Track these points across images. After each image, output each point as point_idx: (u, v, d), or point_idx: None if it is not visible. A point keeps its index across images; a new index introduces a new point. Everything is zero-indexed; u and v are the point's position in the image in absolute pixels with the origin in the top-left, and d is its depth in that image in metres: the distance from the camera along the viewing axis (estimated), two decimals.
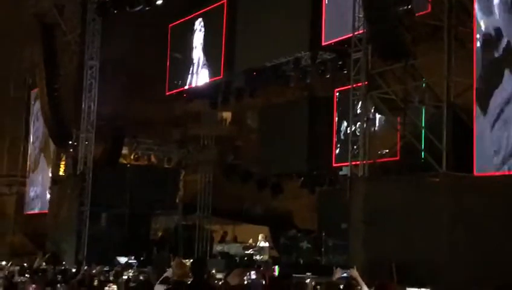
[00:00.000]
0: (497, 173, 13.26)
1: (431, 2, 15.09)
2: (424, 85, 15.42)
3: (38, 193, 27.33)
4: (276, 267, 16.72)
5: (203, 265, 7.82)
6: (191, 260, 8.84)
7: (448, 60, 14.27)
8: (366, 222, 14.74)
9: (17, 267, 16.95)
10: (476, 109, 13.78)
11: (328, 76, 19.42)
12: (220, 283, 9.59)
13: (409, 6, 14.32)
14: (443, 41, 14.35)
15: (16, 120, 28.79)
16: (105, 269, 16.95)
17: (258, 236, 21.70)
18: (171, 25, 24.49)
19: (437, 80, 14.75)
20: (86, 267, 18.08)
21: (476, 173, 13.54)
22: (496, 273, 12.28)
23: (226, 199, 25.25)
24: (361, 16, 15.49)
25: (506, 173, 13.07)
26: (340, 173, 19.83)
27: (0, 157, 29.45)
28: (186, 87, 23.74)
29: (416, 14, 14.67)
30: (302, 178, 22.60)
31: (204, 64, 23.07)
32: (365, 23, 15.31)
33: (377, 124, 17.06)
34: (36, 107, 27.14)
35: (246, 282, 10.96)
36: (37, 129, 27.76)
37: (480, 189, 13.34)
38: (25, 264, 18.38)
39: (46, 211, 25.66)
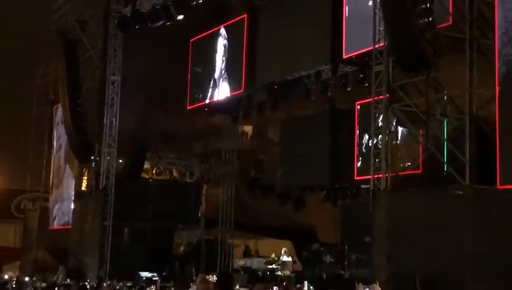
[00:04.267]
0: None
1: (452, 14, 15.01)
2: (446, 97, 15.33)
3: (62, 207, 27.44)
4: (306, 283, 16.61)
5: (230, 281, 7.74)
6: (215, 276, 8.79)
7: (470, 72, 14.20)
8: (389, 235, 14.64)
9: (44, 284, 17.00)
10: (499, 121, 13.67)
11: (349, 89, 19.35)
12: None
13: (430, 19, 14.28)
14: (465, 53, 14.28)
15: (38, 135, 28.99)
16: (128, 284, 16.98)
17: (280, 250, 21.63)
18: (192, 40, 24.59)
19: (459, 92, 14.67)
20: (108, 283, 18.11)
21: (499, 185, 13.41)
22: None
23: (248, 212, 25.21)
24: (382, 28, 15.44)
25: None
26: (363, 186, 19.74)
27: (23, 172, 29.64)
28: (208, 101, 23.80)
29: (438, 27, 14.60)
30: (325, 191, 22.54)
31: (225, 78, 23.12)
32: (386, 35, 15.26)
33: (399, 137, 16.99)
34: (59, 122, 27.31)
35: None
36: (60, 144, 27.91)
37: (504, 201, 13.22)
38: (50, 280, 18.44)
39: (70, 226, 25.75)
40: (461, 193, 13.71)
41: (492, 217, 13.05)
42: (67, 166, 27.11)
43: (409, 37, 14.40)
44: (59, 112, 26.80)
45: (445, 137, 15.37)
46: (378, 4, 15.43)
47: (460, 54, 14.50)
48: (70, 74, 24.04)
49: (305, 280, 17.69)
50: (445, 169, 14.82)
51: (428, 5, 14.32)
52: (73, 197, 26.12)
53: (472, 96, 14.21)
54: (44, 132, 28.82)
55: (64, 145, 26.90)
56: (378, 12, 15.51)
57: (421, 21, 14.27)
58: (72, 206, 25.97)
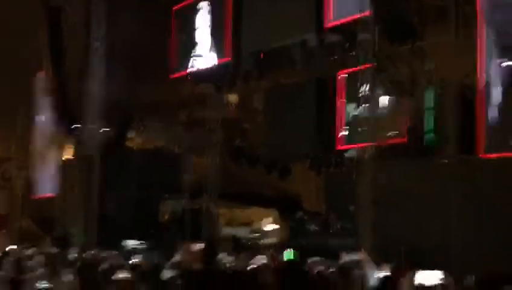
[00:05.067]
0: (505, 154, 13.20)
1: None
2: (431, 66, 15.33)
3: (47, 176, 27.35)
4: (290, 250, 16.69)
5: (213, 251, 7.79)
6: (200, 245, 8.82)
7: (455, 40, 14.19)
8: (374, 204, 14.72)
9: (29, 251, 16.98)
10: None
11: (335, 58, 19.32)
12: (229, 266, 9.60)
13: None
14: (450, 22, 14.27)
15: (26, 105, 28.80)
16: (114, 252, 16.96)
17: (265, 219, 21.72)
18: (175, 8, 24.39)
19: (444, 61, 14.67)
20: (94, 251, 18.10)
21: (483, 154, 13.48)
22: (508, 255, 12.26)
23: (233, 182, 25.23)
24: None
25: None
26: (347, 154, 19.78)
27: (10, 141, 29.49)
28: (192, 70, 23.67)
29: None
30: (309, 160, 22.57)
31: (210, 47, 22.98)
32: (372, 4, 15.20)
33: (384, 106, 17.00)
34: (42, 90, 27.11)
35: (254, 266, 10.95)
36: (45, 112, 27.74)
37: (487, 170, 13.30)
38: (34, 249, 18.41)
39: (54, 195, 25.71)
40: (445, 161, 13.79)
41: (477, 185, 13.14)
42: (52, 135, 26.98)
43: (394, 6, 14.37)
44: (42, 80, 26.57)
45: (431, 106, 15.38)
46: None
47: (445, 23, 14.49)
48: (53, 42, 23.84)
49: (290, 248, 17.76)
50: (430, 138, 14.87)
51: None
52: (57, 166, 26.05)
53: (457, 65, 14.21)
54: (25, 101, 28.60)
55: (49, 118, 26.73)
56: None
57: None
58: (57, 175, 25.90)
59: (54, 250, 19.01)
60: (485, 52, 13.77)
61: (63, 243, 22.07)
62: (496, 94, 13.44)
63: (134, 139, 25.38)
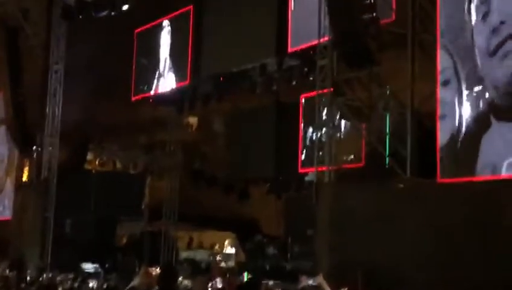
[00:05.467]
0: (460, 179, 13.40)
1: (395, 10, 15.22)
2: (388, 92, 15.55)
3: (3, 199, 26.99)
4: (245, 274, 16.77)
5: (173, 273, 7.74)
6: (159, 269, 8.77)
7: (412, 67, 14.44)
8: (332, 227, 14.81)
9: None
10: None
11: (294, 82, 19.49)
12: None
13: (374, 14, 14.46)
14: (407, 48, 14.51)
15: None
16: (69, 276, 16.81)
17: (224, 242, 21.69)
18: (137, 30, 24.40)
19: (401, 87, 14.89)
20: (50, 274, 17.91)
21: (439, 179, 13.68)
22: (458, 278, 12.42)
23: (192, 204, 25.16)
24: (327, 22, 15.57)
25: (469, 179, 13.22)
26: (306, 178, 19.91)
27: None
28: (153, 92, 23.66)
29: (381, 22, 14.79)
30: (269, 184, 22.65)
31: (170, 70, 23.01)
32: (331, 30, 15.40)
33: (343, 130, 17.18)
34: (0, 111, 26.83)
35: (212, 289, 10.96)
36: (0, 134, 27.43)
37: (443, 194, 13.48)
38: None
39: (9, 218, 25.36)
40: (402, 185, 13.95)
41: (431, 209, 13.31)
42: (6, 160, 26.68)
43: (353, 32, 14.57)
44: (1, 108, 26.27)
45: (388, 131, 15.59)
46: None
47: (402, 49, 14.73)
48: (11, 63, 23.64)
49: (248, 271, 17.79)
50: (387, 162, 15.05)
51: (372, 1, 14.49)
52: (13, 188, 25.73)
53: (413, 91, 14.44)
54: None
55: (5, 139, 26.43)
56: (323, 6, 15.62)
57: (364, 16, 14.44)
58: (13, 197, 25.57)
59: (10, 273, 18.74)
60: (441, 78, 13.99)
61: (19, 266, 21.76)
62: (452, 119, 13.67)
63: (93, 161, 25.21)
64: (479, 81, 13.19)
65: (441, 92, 13.92)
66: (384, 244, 13.69)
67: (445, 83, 13.82)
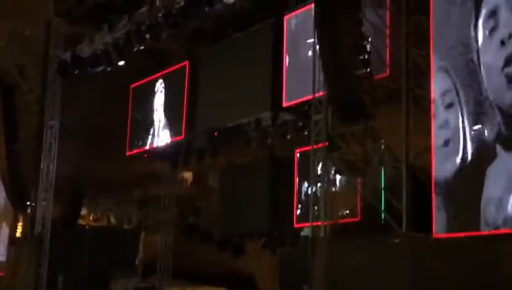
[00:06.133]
0: (456, 235, 13.34)
1: (389, 66, 15.35)
2: (383, 146, 15.57)
3: None
4: None
5: None
6: None
7: (407, 122, 14.49)
8: (327, 283, 14.67)
9: None
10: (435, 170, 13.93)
11: (289, 137, 19.55)
12: None
13: (368, 70, 14.58)
14: (401, 103, 14.60)
15: None
16: None
17: None
18: (132, 86, 24.54)
19: (396, 141, 14.93)
20: None
21: (435, 234, 13.61)
22: None
23: (187, 260, 24.99)
24: (321, 78, 15.67)
25: (466, 234, 13.15)
26: (302, 233, 19.80)
27: None
28: (147, 147, 23.69)
29: (375, 77, 14.90)
30: (264, 239, 22.50)
31: (165, 125, 23.09)
32: (325, 85, 15.49)
33: (338, 185, 17.14)
34: None
35: None
36: None
37: (438, 249, 13.40)
38: None
39: (2, 274, 25.13)
40: (397, 241, 13.87)
41: (427, 266, 13.21)
42: (2, 212, 26.55)
43: (347, 87, 14.66)
44: None
45: (383, 185, 15.56)
46: (317, 54, 15.68)
47: (397, 104, 14.80)
48: (6, 119, 23.69)
49: None
50: (382, 217, 14.99)
51: (366, 57, 14.63)
52: (7, 244, 25.55)
53: (408, 145, 14.47)
54: None
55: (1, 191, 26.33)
56: (317, 62, 15.75)
57: (358, 72, 14.55)
58: (5, 253, 25.37)
59: None
60: (435, 133, 14.04)
61: None
62: (447, 174, 13.67)
63: (87, 217, 25.09)
64: (483, 104, 12.99)
65: (445, 116, 13.81)
66: None
67: (449, 106, 13.75)
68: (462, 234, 13.21)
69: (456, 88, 13.62)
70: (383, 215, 14.94)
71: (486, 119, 12.92)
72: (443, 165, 13.69)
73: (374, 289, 13.74)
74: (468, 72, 13.40)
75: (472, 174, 13.13)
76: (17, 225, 25.65)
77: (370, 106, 14.71)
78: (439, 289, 12.95)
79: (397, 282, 13.42)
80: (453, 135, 13.56)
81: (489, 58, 13.00)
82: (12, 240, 25.38)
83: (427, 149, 14.29)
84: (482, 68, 13.15)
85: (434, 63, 14.25)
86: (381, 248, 14.15)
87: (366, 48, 14.72)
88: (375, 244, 14.33)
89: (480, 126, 13.03)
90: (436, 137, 13.98)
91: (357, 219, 16.73)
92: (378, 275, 13.78)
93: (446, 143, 13.70)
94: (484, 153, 12.86)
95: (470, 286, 12.66)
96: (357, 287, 14.08)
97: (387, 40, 15.36)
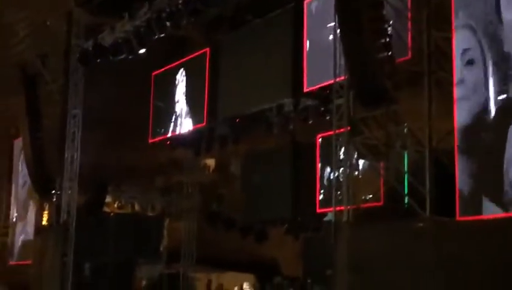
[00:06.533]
0: (480, 217, 13.28)
1: (411, 49, 15.26)
2: (405, 130, 15.51)
3: (24, 243, 27.08)
4: None
5: None
6: None
7: (429, 105, 14.42)
8: (351, 268, 14.68)
9: None
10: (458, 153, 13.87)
11: (310, 122, 19.53)
12: None
13: (390, 53, 14.50)
14: (424, 86, 14.52)
15: (2, 171, 28.65)
16: None
17: (242, 284, 21.57)
18: (154, 73, 24.62)
19: (419, 125, 14.86)
20: None
21: (458, 217, 13.56)
22: None
23: (210, 246, 25.12)
24: (342, 62, 15.63)
25: (489, 216, 13.09)
26: (325, 219, 19.82)
27: None
28: (169, 134, 23.79)
29: (397, 61, 14.83)
30: (287, 225, 22.55)
31: (187, 112, 23.16)
32: (346, 69, 15.45)
33: (360, 169, 17.12)
34: (21, 156, 27.02)
35: None
36: (24, 177, 27.59)
37: (462, 233, 13.36)
38: None
39: (30, 261, 25.39)
40: (421, 225, 13.84)
41: (450, 249, 13.17)
42: (30, 201, 26.83)
43: (369, 71, 14.59)
44: (20, 146, 26.53)
45: (406, 169, 15.52)
46: (338, 38, 15.63)
47: (419, 87, 14.73)
48: (30, 108, 23.86)
49: None
50: (406, 201, 14.96)
51: (387, 40, 14.55)
52: (33, 232, 25.81)
53: (431, 129, 14.40)
54: (4, 166, 28.49)
55: (27, 184, 26.61)
56: (338, 46, 15.70)
57: (380, 55, 14.47)
58: (33, 240, 25.63)
59: None
60: (464, 59, 13.91)
61: None
62: (471, 156, 13.62)
63: (111, 204, 25.26)
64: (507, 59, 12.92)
65: (464, 74, 13.76)
66: (404, 284, 13.54)
67: (469, 63, 13.68)
68: (486, 217, 13.16)
69: (480, 44, 13.55)
70: (406, 199, 14.91)
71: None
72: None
73: (397, 273, 13.74)
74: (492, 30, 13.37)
75: (495, 130, 13.10)
76: (43, 214, 25.90)
77: (392, 90, 14.64)
78: (463, 272, 12.91)
79: (421, 266, 13.40)
80: (474, 92, 13.51)
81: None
82: (38, 228, 25.62)
83: (450, 133, 14.22)
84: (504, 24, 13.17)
85: (456, 45, 14.14)
86: (405, 232, 14.13)
87: (388, 31, 14.62)
88: (399, 229, 14.31)
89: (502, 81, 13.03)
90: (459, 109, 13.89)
91: (380, 203, 16.69)
92: (401, 259, 13.77)
93: (466, 98, 13.62)
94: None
95: (495, 269, 12.61)
96: (380, 271, 14.08)
97: (409, 23, 15.26)
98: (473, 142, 13.63)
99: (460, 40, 14.04)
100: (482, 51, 13.53)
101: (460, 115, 13.84)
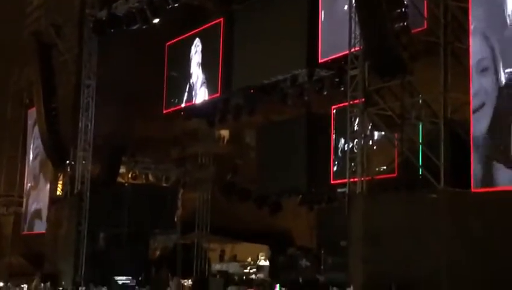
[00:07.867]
0: (494, 189, 13.21)
1: (427, 19, 15.10)
2: (420, 101, 15.40)
3: (37, 212, 27.19)
4: (278, 286, 16.68)
5: (204, 286, 7.71)
6: (191, 281, 8.76)
7: (445, 76, 14.30)
8: (365, 239, 14.68)
9: (17, 288, 16.84)
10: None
11: (325, 93, 19.42)
12: None
13: (405, 24, 14.35)
14: (439, 57, 14.37)
15: (13, 140, 28.72)
16: (104, 289, 16.87)
17: (257, 254, 21.64)
18: (168, 43, 24.51)
19: (434, 96, 14.75)
20: (84, 288, 17.98)
21: (473, 189, 13.49)
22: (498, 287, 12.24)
23: (225, 217, 25.17)
24: (357, 33, 15.50)
25: (503, 188, 13.02)
26: (339, 190, 19.78)
27: None
28: (184, 105, 23.72)
29: (413, 31, 14.68)
30: (301, 196, 22.56)
31: (202, 83, 23.06)
32: (361, 40, 15.32)
33: (375, 141, 17.04)
34: (34, 126, 27.06)
35: None
36: (36, 148, 27.65)
37: (477, 204, 13.30)
38: (24, 286, 18.27)
39: (44, 231, 25.54)
40: (435, 196, 13.78)
41: (466, 220, 13.13)
42: (43, 170, 26.88)
43: (384, 42, 14.46)
44: (34, 115, 26.55)
45: (420, 141, 15.44)
46: (353, 8, 15.47)
47: (435, 58, 14.58)
48: (44, 78, 23.84)
49: (281, 284, 17.70)
50: (420, 173, 14.89)
51: (403, 10, 14.39)
52: (47, 202, 25.91)
53: (446, 100, 14.29)
54: (18, 136, 28.57)
55: (41, 149, 26.64)
56: (353, 17, 15.55)
57: (396, 25, 14.33)
58: (47, 211, 25.75)
59: (45, 287, 18.88)
60: (479, 67, 13.79)
61: (54, 279, 21.91)
62: (485, 128, 13.51)
63: (125, 175, 25.31)
64: None
65: (478, 81, 13.67)
66: (418, 255, 13.53)
67: (483, 70, 13.60)
68: (500, 188, 13.08)
69: (493, 51, 13.47)
70: (420, 170, 14.84)
71: None
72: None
73: (411, 244, 13.72)
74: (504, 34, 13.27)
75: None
76: (57, 184, 25.99)
77: (407, 61, 14.52)
78: (477, 242, 12.89)
79: (435, 237, 13.38)
80: (488, 99, 13.46)
81: None
82: (52, 198, 25.72)
83: (466, 104, 14.10)
84: None
85: (473, 15, 13.97)
86: (419, 203, 14.09)
87: (403, 1, 14.48)
88: (413, 200, 14.28)
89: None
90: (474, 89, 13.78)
91: (394, 175, 16.65)
92: (415, 230, 13.75)
93: (481, 106, 13.57)
94: None
95: (509, 240, 12.57)
96: (394, 242, 14.07)
97: None
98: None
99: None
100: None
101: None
